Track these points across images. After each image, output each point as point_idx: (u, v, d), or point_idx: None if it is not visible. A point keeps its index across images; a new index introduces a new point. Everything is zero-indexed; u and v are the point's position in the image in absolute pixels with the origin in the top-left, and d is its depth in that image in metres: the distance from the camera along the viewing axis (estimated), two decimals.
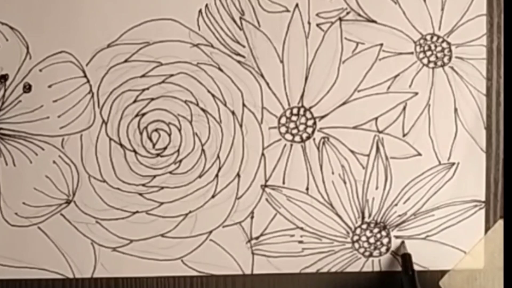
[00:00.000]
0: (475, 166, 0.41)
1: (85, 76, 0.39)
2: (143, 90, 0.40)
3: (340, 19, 0.40)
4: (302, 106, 0.40)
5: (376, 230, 0.41)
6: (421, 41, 0.40)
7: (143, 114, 0.40)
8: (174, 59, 0.39)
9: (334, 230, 0.40)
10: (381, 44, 0.40)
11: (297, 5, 0.40)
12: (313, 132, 0.40)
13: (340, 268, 0.41)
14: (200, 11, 0.39)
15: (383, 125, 0.40)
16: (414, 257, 0.40)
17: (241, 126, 0.40)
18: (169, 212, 0.40)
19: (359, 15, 0.40)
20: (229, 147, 0.40)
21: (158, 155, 0.40)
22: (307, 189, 0.40)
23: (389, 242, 0.41)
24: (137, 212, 0.40)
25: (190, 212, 0.40)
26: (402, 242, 0.40)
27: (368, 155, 0.40)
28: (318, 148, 0.40)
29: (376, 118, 0.40)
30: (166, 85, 0.40)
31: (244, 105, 0.40)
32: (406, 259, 0.40)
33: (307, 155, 0.40)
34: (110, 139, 0.40)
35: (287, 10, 0.40)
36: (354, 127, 0.40)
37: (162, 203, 0.40)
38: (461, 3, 0.40)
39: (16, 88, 0.39)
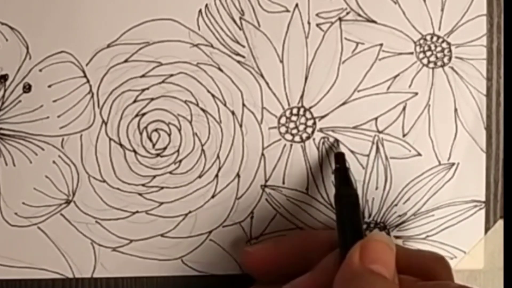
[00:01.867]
0: (475, 166, 0.41)
1: (85, 76, 0.39)
2: (143, 90, 0.40)
3: (340, 19, 0.40)
4: (302, 106, 0.40)
5: (376, 231, 0.41)
6: (421, 41, 0.40)
7: (143, 114, 0.40)
8: (174, 59, 0.39)
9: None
10: (381, 44, 0.40)
11: (297, 5, 0.40)
12: (313, 132, 0.40)
13: None
14: (200, 11, 0.39)
15: (383, 125, 0.40)
16: None
17: (241, 126, 0.40)
18: (169, 212, 0.40)
19: (359, 15, 0.40)
20: (229, 147, 0.40)
21: (158, 155, 0.40)
22: (307, 189, 0.40)
23: None
24: (137, 212, 0.40)
25: (190, 212, 0.40)
26: (337, 141, 0.39)
27: (368, 155, 0.40)
28: (318, 148, 0.40)
29: (376, 118, 0.40)
30: (166, 85, 0.40)
31: (244, 105, 0.40)
32: (339, 157, 0.39)
33: (307, 155, 0.40)
34: (110, 139, 0.40)
35: (287, 10, 0.40)
36: (354, 127, 0.40)
37: (162, 203, 0.40)
38: (461, 3, 0.40)
39: (16, 88, 0.39)
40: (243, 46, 0.40)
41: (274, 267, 0.37)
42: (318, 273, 0.35)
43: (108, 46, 0.39)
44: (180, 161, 0.40)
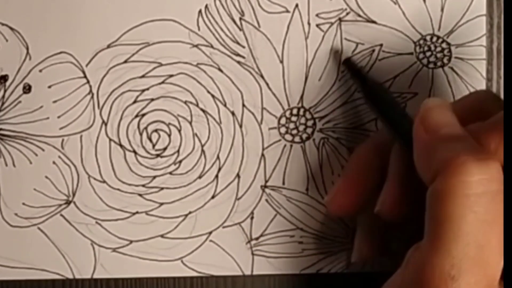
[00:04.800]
0: None
1: (85, 76, 0.39)
2: (143, 90, 0.40)
3: (340, 20, 0.40)
4: (302, 106, 0.40)
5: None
6: (421, 42, 0.40)
7: (143, 115, 0.40)
8: (174, 59, 0.39)
9: (334, 231, 0.40)
10: (381, 45, 0.40)
11: (297, 6, 0.40)
12: (313, 132, 0.40)
13: (340, 269, 0.40)
14: (200, 11, 0.39)
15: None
16: None
17: (241, 126, 0.40)
18: (169, 213, 0.40)
19: (359, 15, 0.40)
20: (229, 148, 0.40)
21: (158, 155, 0.40)
22: (307, 189, 0.40)
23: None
24: (137, 212, 0.40)
25: (190, 212, 0.40)
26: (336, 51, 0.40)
27: None
28: (318, 148, 0.40)
29: (376, 119, 0.40)
30: (166, 85, 0.40)
31: (244, 105, 0.40)
32: (351, 62, 0.39)
33: (307, 156, 0.40)
34: (110, 139, 0.40)
35: (287, 11, 0.40)
36: (354, 128, 0.40)
37: (162, 204, 0.40)
38: (461, 4, 0.40)
39: (16, 88, 0.39)
40: (243, 47, 0.40)
41: (359, 198, 0.37)
42: (393, 178, 0.35)
43: (108, 46, 0.39)
44: (180, 161, 0.40)
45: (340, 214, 0.38)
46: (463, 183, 0.29)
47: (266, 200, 0.40)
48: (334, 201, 0.38)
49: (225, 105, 0.40)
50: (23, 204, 0.39)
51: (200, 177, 0.40)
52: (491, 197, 0.29)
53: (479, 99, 0.35)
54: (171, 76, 0.40)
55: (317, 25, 0.40)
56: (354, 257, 0.38)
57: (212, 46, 0.40)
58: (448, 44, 0.40)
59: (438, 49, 0.40)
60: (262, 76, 0.40)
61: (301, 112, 0.40)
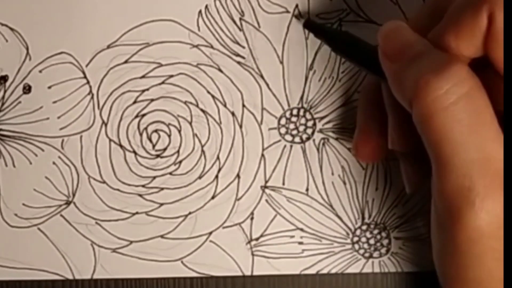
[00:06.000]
0: None
1: (85, 77, 0.39)
2: (143, 91, 0.40)
3: (340, 20, 0.40)
4: (302, 107, 0.40)
5: (376, 231, 0.40)
6: None
7: (143, 115, 0.40)
8: (174, 60, 0.39)
9: (334, 231, 0.40)
10: None
11: (297, 6, 0.40)
12: (313, 133, 0.40)
13: (340, 269, 0.40)
14: (200, 12, 0.39)
15: None
16: (415, 258, 0.40)
17: (241, 127, 0.40)
18: (169, 213, 0.40)
19: (359, 16, 0.40)
20: (229, 148, 0.40)
21: (158, 156, 0.40)
22: (307, 190, 0.40)
23: (389, 243, 0.41)
24: (137, 213, 0.40)
25: (190, 213, 0.40)
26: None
27: None
28: (318, 149, 0.40)
29: None
30: (166, 86, 0.40)
31: (244, 106, 0.40)
32: (311, 22, 0.39)
33: (307, 156, 0.40)
34: (110, 140, 0.40)
35: (287, 11, 0.40)
36: (354, 128, 0.40)
37: (162, 204, 0.40)
38: None
39: (16, 89, 0.39)
40: (243, 47, 0.40)
41: (379, 141, 0.37)
42: (391, 113, 0.35)
43: (108, 47, 0.39)
44: (180, 162, 0.40)
45: (371, 161, 0.39)
46: (436, 99, 0.29)
47: (266, 201, 0.40)
48: (359, 152, 0.38)
49: (225, 106, 0.40)
50: (23, 204, 0.39)
51: (200, 177, 0.40)
52: (466, 98, 0.29)
53: (434, 0, 0.34)
54: (171, 76, 0.40)
55: None
56: (408, 189, 0.37)
57: (212, 47, 0.40)
58: None
59: None
60: (262, 76, 0.40)
61: (301, 113, 0.40)
